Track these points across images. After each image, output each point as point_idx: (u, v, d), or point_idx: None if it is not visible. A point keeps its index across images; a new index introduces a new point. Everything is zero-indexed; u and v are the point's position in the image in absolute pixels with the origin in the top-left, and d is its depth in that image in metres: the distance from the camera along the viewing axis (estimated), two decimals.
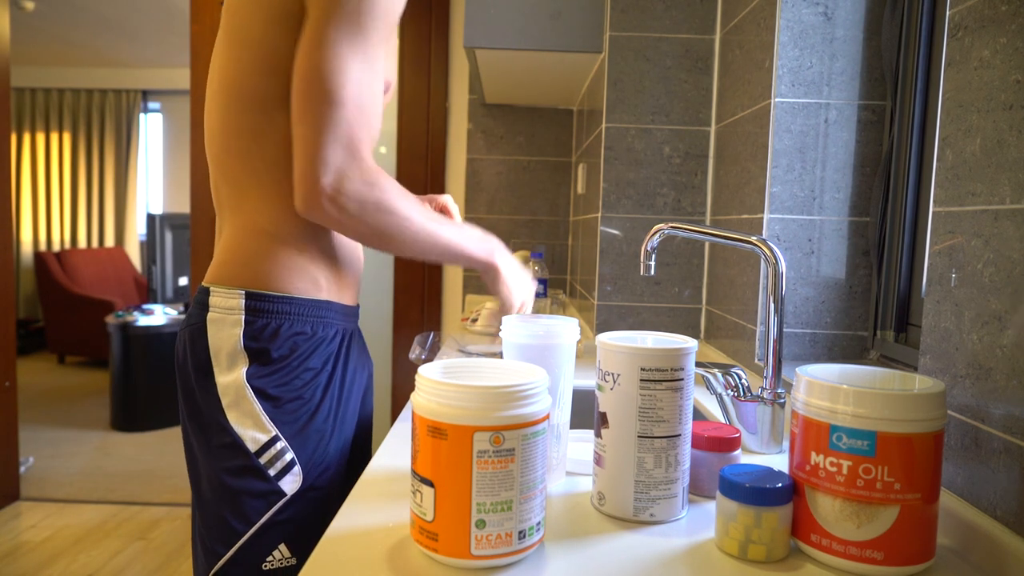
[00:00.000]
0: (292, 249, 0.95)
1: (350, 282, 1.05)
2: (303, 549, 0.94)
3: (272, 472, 0.92)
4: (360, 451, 1.13)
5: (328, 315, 0.99)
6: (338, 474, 0.99)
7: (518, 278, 1.11)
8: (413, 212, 0.93)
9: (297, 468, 0.93)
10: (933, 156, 1.16)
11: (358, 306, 1.10)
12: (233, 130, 0.95)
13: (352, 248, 1.04)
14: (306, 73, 0.88)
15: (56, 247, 6.77)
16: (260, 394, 0.92)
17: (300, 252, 0.96)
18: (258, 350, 0.93)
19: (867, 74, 1.29)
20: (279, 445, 0.92)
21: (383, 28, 0.90)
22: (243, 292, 0.93)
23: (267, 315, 0.94)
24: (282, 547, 0.93)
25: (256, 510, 0.92)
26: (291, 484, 0.92)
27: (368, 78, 0.89)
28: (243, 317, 0.93)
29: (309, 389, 0.95)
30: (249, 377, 0.92)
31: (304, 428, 0.94)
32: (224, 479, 0.92)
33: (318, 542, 0.92)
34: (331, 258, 1.00)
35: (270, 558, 0.92)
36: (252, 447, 0.91)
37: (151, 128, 6.85)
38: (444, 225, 0.97)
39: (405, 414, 1.11)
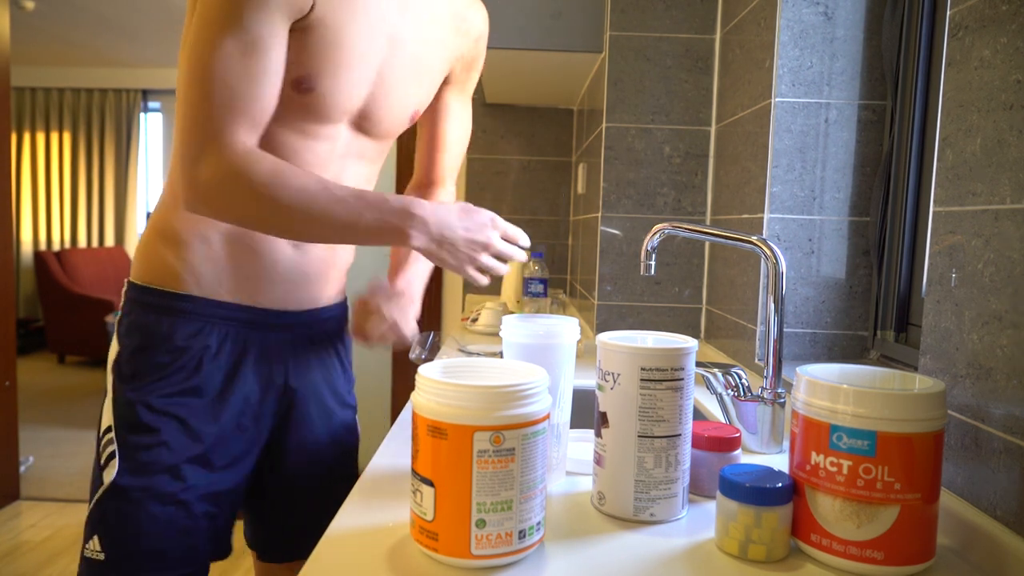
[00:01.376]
0: (158, 238, 0.97)
1: (253, 280, 0.98)
2: (113, 549, 0.91)
3: (102, 461, 0.93)
4: (286, 480, 1.08)
5: (188, 307, 0.95)
6: (193, 487, 0.94)
7: (460, 238, 0.90)
8: (293, 195, 0.84)
9: (116, 462, 0.92)
10: (933, 156, 1.16)
11: (281, 312, 1.02)
12: None
13: (258, 245, 0.97)
14: (179, 61, 0.87)
15: (56, 247, 6.77)
16: (113, 382, 0.95)
17: (164, 242, 0.96)
18: (120, 339, 0.96)
19: (867, 74, 1.29)
20: (109, 435, 0.93)
21: (261, 10, 0.83)
22: (127, 282, 0.99)
23: (127, 304, 0.97)
24: (95, 539, 0.92)
25: (91, 496, 0.94)
26: (108, 477, 0.92)
27: (240, 60, 0.83)
28: (121, 305, 0.98)
29: (149, 386, 0.93)
30: (111, 366, 0.96)
31: (136, 425, 0.92)
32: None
33: (135, 548, 0.90)
34: (210, 251, 0.95)
35: (88, 544, 0.92)
36: (101, 434, 0.95)
37: (151, 128, 6.85)
38: (345, 202, 0.85)
39: (404, 414, 1.11)
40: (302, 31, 0.87)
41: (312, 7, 0.87)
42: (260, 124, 0.87)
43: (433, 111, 1.19)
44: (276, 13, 0.84)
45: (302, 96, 0.91)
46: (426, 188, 1.25)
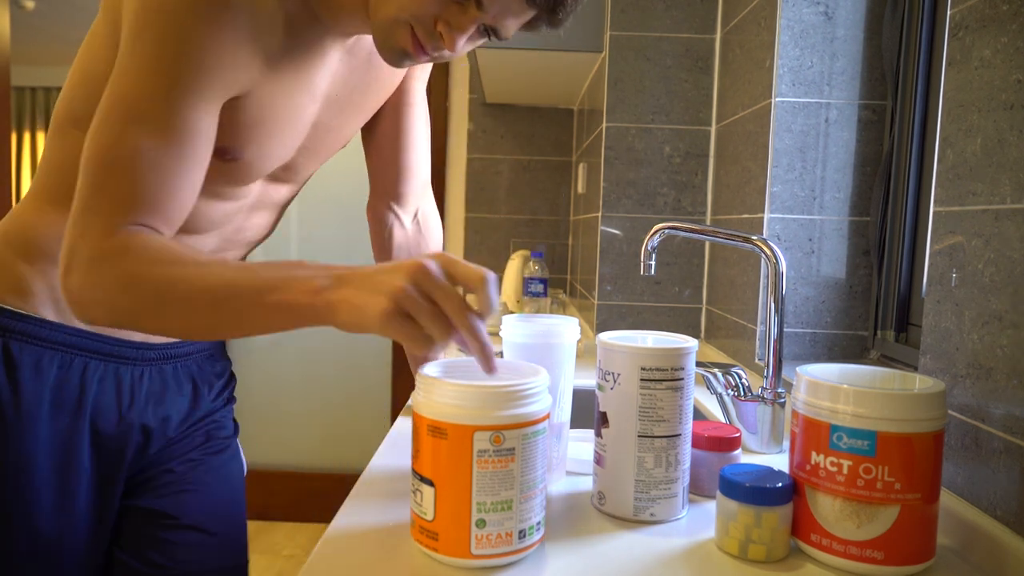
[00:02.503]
0: (10, 248, 0.85)
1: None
2: None
3: None
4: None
5: (33, 331, 0.83)
6: (38, 535, 0.83)
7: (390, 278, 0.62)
8: (177, 274, 0.67)
9: None
10: (934, 156, 1.16)
11: (142, 345, 0.91)
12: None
13: None
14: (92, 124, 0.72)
15: None
16: None
17: (20, 253, 0.84)
18: None
19: (868, 74, 1.29)
20: None
21: (195, 94, 0.71)
22: None
23: None
24: None
25: None
26: None
27: (159, 151, 0.70)
28: None
29: None
30: None
31: None
32: None
33: None
34: (36, 260, 0.84)
35: None
36: None
37: None
38: (244, 275, 0.66)
39: (404, 414, 1.11)
40: (232, 107, 0.77)
41: (250, 90, 0.77)
42: (174, 221, 0.73)
43: (394, 105, 1.04)
44: (212, 96, 0.73)
45: (223, 164, 0.82)
46: (398, 201, 1.08)
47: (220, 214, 0.90)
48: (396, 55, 0.77)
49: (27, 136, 6.69)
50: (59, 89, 5.70)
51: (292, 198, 1.01)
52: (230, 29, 0.72)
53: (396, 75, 0.98)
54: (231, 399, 1.11)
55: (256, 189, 0.93)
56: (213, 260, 0.69)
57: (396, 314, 0.59)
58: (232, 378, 1.11)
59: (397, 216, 1.10)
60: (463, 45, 0.76)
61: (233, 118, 0.78)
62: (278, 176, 0.94)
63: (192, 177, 0.73)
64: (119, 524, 0.95)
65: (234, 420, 1.11)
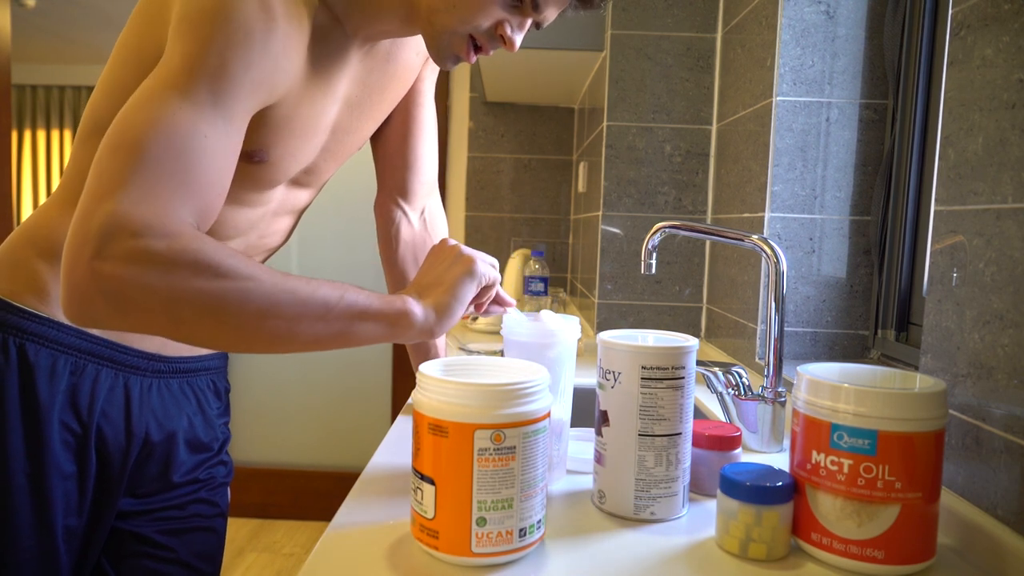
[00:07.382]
0: (32, 247, 0.84)
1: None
2: None
3: None
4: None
5: (45, 332, 0.82)
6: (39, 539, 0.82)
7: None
8: (256, 271, 0.66)
9: None
10: (935, 155, 1.16)
11: (152, 355, 0.91)
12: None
13: None
14: (125, 112, 0.69)
15: None
16: None
17: (40, 253, 0.84)
18: None
19: (869, 73, 1.29)
20: None
21: (245, 92, 0.71)
22: None
23: None
24: None
25: None
26: None
27: (207, 134, 0.68)
28: None
29: None
30: None
31: None
32: None
33: None
34: (45, 257, 0.83)
35: None
36: None
37: None
38: (317, 285, 0.68)
39: (404, 413, 1.11)
40: (262, 112, 0.78)
41: (282, 97, 0.78)
42: (213, 216, 0.70)
43: (405, 104, 1.06)
44: (254, 100, 0.73)
45: (251, 166, 0.82)
46: (405, 199, 1.10)
47: (245, 220, 0.90)
48: (450, 60, 0.83)
49: (27, 134, 6.69)
50: (60, 88, 5.72)
51: (310, 203, 1.02)
52: (274, 41, 0.72)
53: (410, 76, 0.99)
54: (227, 415, 1.08)
55: (279, 195, 0.93)
56: (298, 278, 0.69)
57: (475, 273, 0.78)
58: (228, 395, 1.09)
59: (404, 213, 1.11)
60: (519, 41, 0.82)
61: (262, 121, 0.79)
62: (300, 180, 0.94)
63: (230, 175, 0.72)
64: (113, 545, 0.94)
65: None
